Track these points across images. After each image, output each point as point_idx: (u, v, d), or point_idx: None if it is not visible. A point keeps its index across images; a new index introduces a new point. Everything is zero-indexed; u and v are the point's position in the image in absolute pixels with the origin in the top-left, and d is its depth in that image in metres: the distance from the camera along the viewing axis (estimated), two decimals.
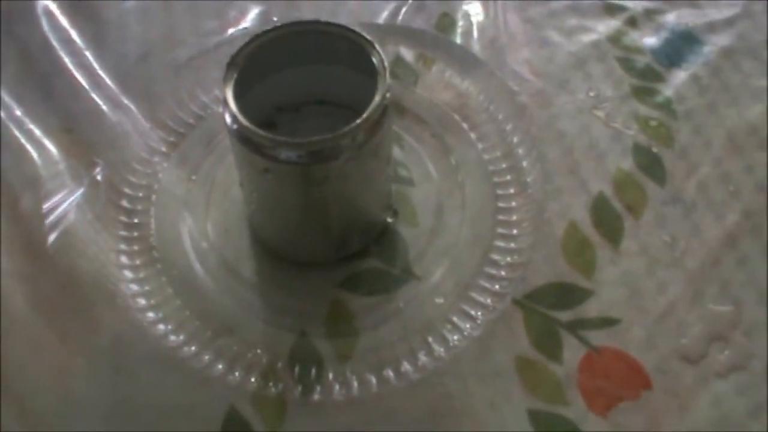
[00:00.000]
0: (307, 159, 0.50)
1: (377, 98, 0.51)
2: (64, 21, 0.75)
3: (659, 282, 0.60)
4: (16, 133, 0.67)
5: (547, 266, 0.60)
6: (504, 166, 0.65)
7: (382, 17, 0.75)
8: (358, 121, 0.50)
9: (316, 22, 0.56)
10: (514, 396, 0.55)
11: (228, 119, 0.51)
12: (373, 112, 0.50)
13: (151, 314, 0.58)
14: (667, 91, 0.70)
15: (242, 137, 0.50)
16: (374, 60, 0.53)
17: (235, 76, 0.52)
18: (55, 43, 0.73)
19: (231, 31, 0.74)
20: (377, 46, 0.53)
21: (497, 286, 0.59)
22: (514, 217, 0.62)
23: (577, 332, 0.57)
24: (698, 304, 0.59)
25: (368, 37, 0.54)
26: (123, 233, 0.62)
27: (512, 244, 0.61)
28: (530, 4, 0.77)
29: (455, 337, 0.57)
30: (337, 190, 0.53)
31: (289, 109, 0.62)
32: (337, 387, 0.55)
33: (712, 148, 0.67)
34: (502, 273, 0.60)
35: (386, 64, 0.52)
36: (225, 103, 0.51)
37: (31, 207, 0.63)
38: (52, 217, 0.62)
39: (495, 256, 0.60)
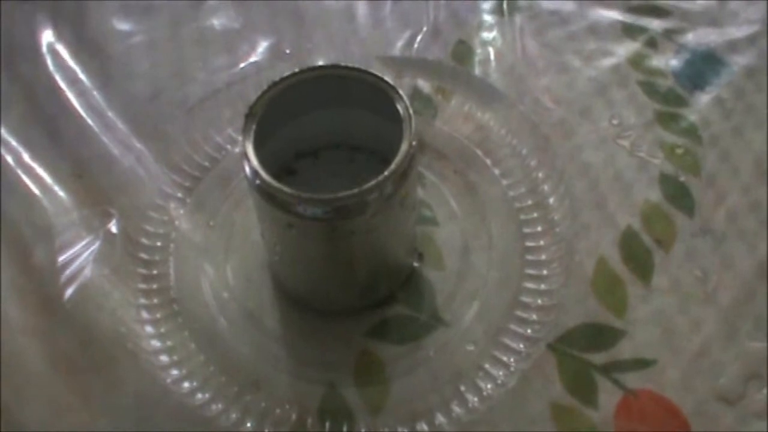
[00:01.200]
0: (333, 215, 0.48)
1: (404, 146, 0.49)
2: (69, 59, 0.73)
3: (692, 319, 0.58)
4: (25, 179, 0.65)
5: (578, 306, 0.59)
6: (530, 203, 0.64)
7: (397, 47, 0.73)
8: (386, 173, 0.48)
9: (335, 67, 0.54)
10: None
11: (249, 173, 0.49)
12: (401, 162, 0.48)
13: (174, 371, 0.56)
14: (692, 115, 0.69)
15: (265, 193, 0.49)
16: (399, 107, 0.51)
17: (254, 127, 0.50)
18: (61, 83, 0.71)
19: (242, 65, 0.73)
20: (400, 92, 0.51)
21: (529, 330, 0.58)
22: (543, 257, 0.61)
23: (611, 375, 0.56)
24: (733, 342, 0.57)
25: (390, 82, 0.52)
26: (142, 286, 0.60)
27: (542, 286, 0.59)
28: (548, 27, 0.75)
29: (488, 386, 0.55)
30: (363, 242, 0.52)
31: (308, 155, 0.60)
32: None
33: (740, 175, 0.65)
34: (534, 316, 0.58)
35: (411, 111, 0.50)
36: (245, 156, 0.49)
37: (45, 259, 0.61)
38: (68, 271, 0.60)
39: (525, 299, 0.59)
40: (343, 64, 0.54)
